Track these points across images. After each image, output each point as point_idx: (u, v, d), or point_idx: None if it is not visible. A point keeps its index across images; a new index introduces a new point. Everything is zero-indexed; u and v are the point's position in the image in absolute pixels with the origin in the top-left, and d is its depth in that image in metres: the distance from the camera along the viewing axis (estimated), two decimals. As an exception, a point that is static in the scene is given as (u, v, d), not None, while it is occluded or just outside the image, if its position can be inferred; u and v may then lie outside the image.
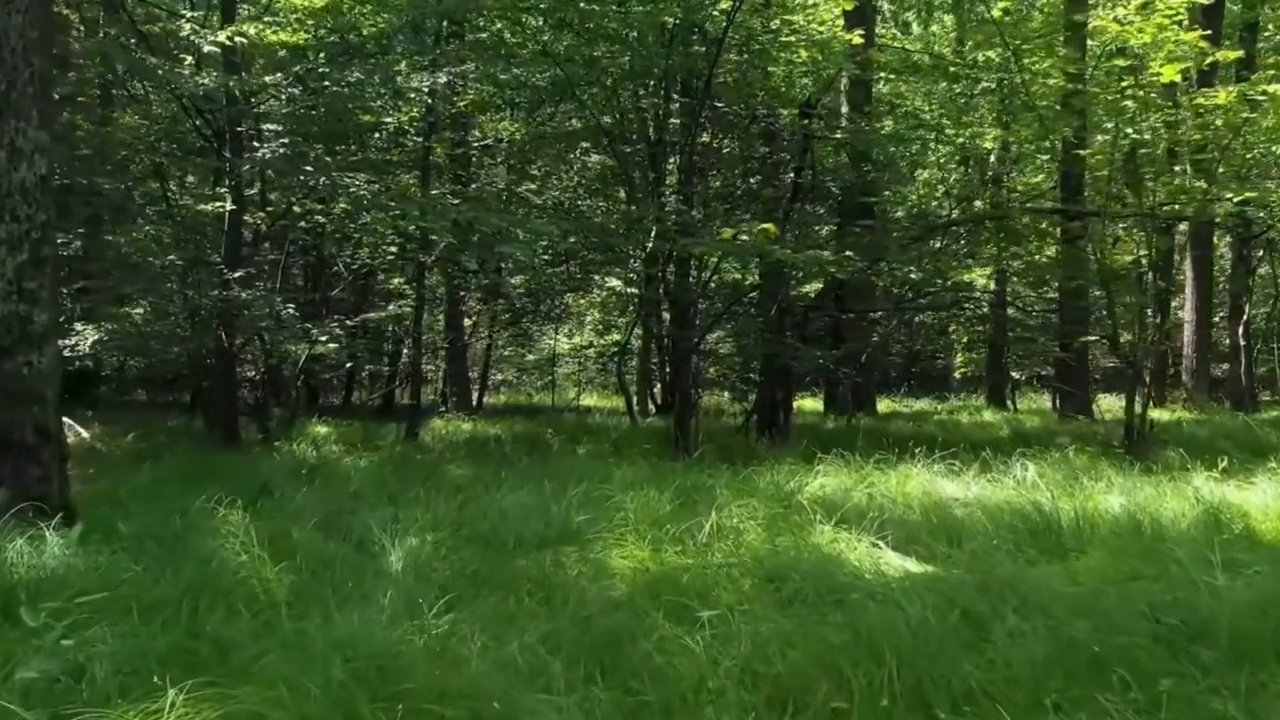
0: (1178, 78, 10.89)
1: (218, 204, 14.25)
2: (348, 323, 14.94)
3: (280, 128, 12.57)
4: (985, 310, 18.17)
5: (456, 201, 11.85)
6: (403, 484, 9.21)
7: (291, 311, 13.58)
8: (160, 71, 11.34)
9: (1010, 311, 18.48)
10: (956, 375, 26.67)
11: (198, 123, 14.27)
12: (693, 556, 6.10)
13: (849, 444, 14.66)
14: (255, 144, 12.32)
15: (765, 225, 9.91)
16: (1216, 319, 21.72)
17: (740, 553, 6.19)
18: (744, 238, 10.58)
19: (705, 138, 17.28)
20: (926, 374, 26.93)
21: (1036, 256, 16.50)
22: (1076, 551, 6.94)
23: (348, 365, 16.62)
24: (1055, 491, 8.13)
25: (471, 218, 10.36)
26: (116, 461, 12.15)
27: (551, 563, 5.97)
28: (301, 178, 12.20)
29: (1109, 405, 20.85)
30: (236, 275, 13.71)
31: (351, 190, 12.54)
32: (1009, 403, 21.57)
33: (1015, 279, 19.21)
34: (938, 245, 15.01)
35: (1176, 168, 14.41)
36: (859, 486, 8.51)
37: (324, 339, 13.60)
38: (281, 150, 11.66)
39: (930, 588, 5.40)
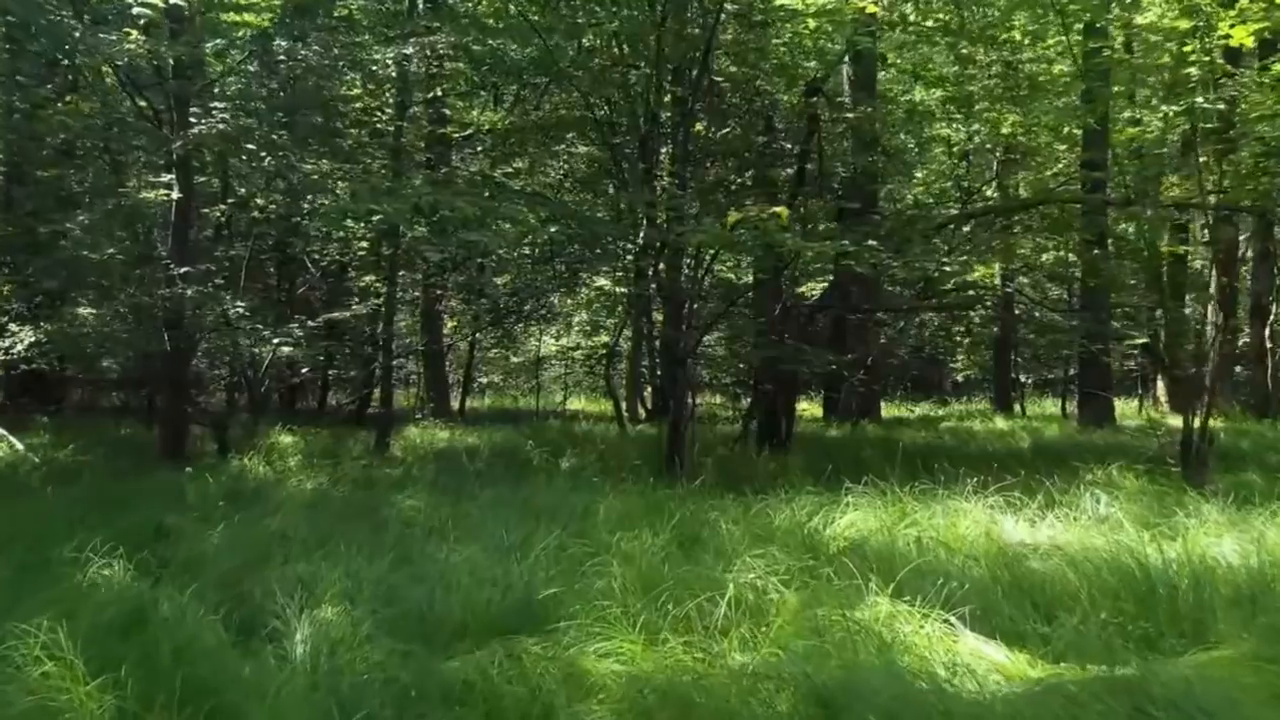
0: (1250, 41, 8.98)
1: (162, 192, 12.25)
2: (310, 324, 12.91)
3: (227, 105, 10.55)
4: (1003, 309, 16.19)
5: (419, 183, 9.86)
6: (342, 519, 7.26)
7: (242, 311, 11.57)
8: (78, 34, 9.32)
9: (1022, 309, 16.47)
10: (958, 379, 24.65)
11: (141, 104, 12.27)
12: (703, 651, 4.14)
13: (858, 456, 12.80)
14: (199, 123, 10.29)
15: (776, 209, 7.98)
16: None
17: (771, 643, 4.23)
18: (741, 232, 8.70)
19: (700, 127, 15.36)
20: (922, 377, 24.92)
21: (1059, 251, 14.57)
22: (1199, 624, 5.04)
23: (304, 370, 14.65)
24: (1146, 534, 6.20)
25: (433, 201, 8.41)
26: (31, 482, 10.15)
27: (504, 662, 3.99)
28: (244, 157, 10.22)
29: (1123, 411, 19.00)
30: (183, 271, 11.73)
31: (308, 173, 10.55)
32: (1019, 408, 19.62)
33: (1026, 276, 17.29)
34: (958, 238, 13.03)
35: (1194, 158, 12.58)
36: (899, 525, 6.56)
37: (276, 341, 11.58)
38: (221, 126, 9.65)
39: (1060, 713, 3.47)
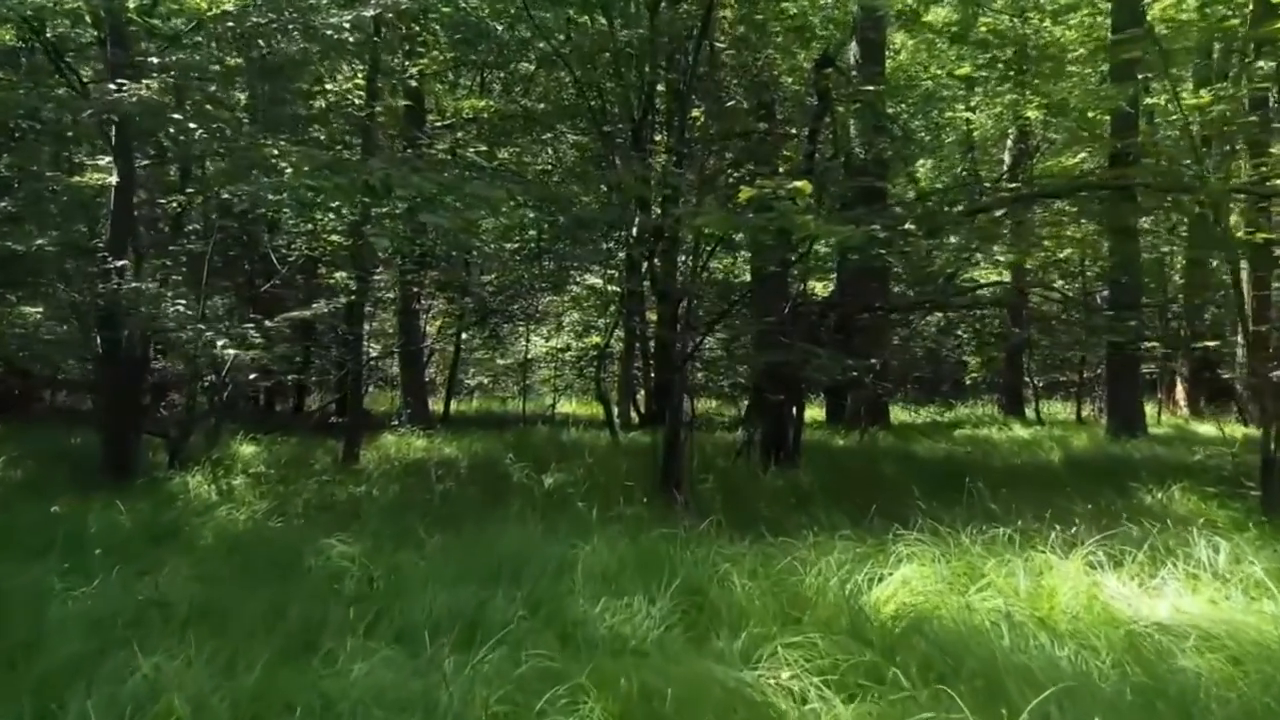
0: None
1: (98, 176, 10.44)
2: (268, 323, 11.11)
3: (159, 76, 8.71)
4: (1016, 307, 14.36)
5: (374, 160, 8.09)
6: (252, 573, 5.46)
7: (183, 309, 9.77)
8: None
9: (1051, 306, 14.57)
10: (966, 381, 22.72)
11: (83, 78, 10.44)
12: None
13: (876, 473, 11.05)
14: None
15: (796, 183, 6.23)
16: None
17: None
18: (750, 216, 6.94)
19: (696, 113, 13.60)
20: (926, 380, 22.98)
21: (1073, 249, 12.78)
22: None
23: (252, 376, 12.80)
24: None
25: (386, 177, 6.65)
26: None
27: None
28: (173, 130, 8.43)
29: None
30: (120, 265, 9.93)
31: (262, 155, 8.75)
32: (1036, 414, 17.78)
33: (1036, 273, 15.47)
34: (973, 231, 11.21)
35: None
36: (971, 589, 4.79)
37: (222, 344, 9.77)
38: (144, 93, 7.84)
39: None
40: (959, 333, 18.05)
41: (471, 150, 12.20)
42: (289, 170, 7.59)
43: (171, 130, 8.47)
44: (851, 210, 11.16)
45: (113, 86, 8.20)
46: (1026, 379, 18.67)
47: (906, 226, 7.18)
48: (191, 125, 8.19)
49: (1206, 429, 15.11)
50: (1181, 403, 17.89)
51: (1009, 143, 17.08)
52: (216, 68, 10.48)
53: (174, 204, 12.68)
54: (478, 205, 7.05)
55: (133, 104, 7.86)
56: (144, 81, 8.13)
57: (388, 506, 8.89)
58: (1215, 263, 19.20)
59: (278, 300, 15.48)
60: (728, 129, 12.20)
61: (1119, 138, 12.69)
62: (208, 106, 8.30)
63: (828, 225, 6.58)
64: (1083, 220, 10.24)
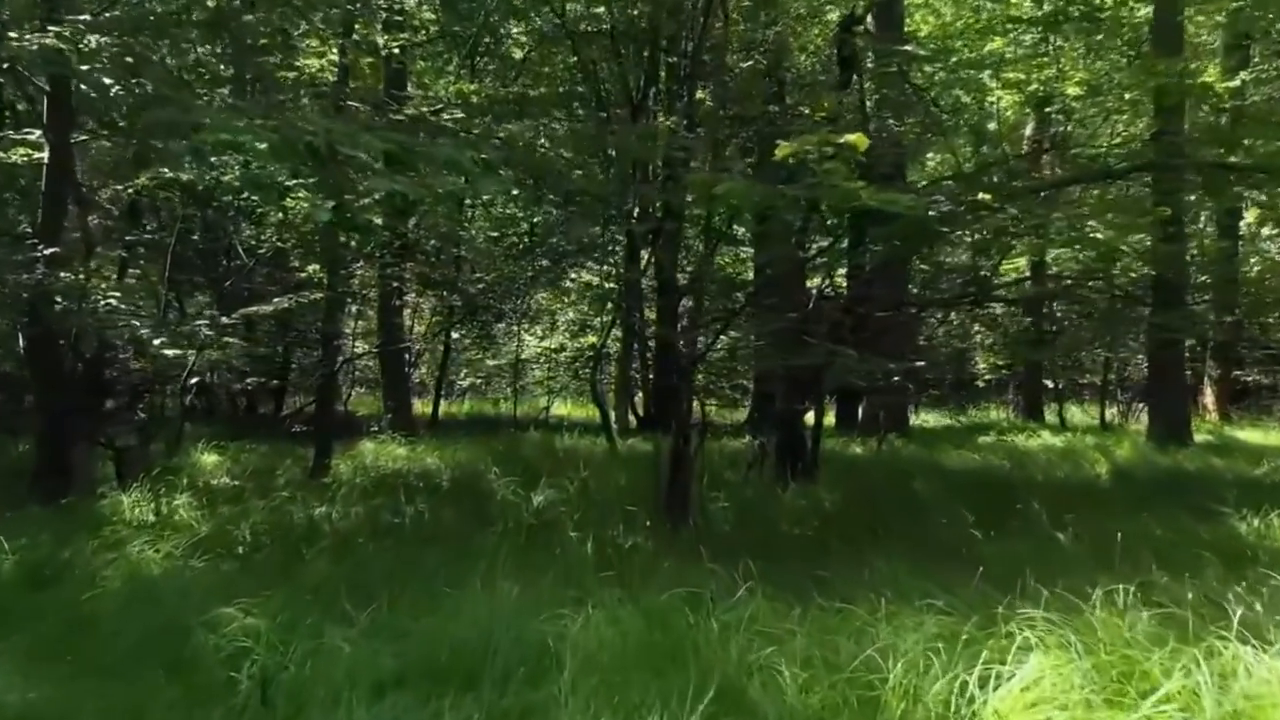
0: None
1: (25, 151, 8.79)
2: (224, 320, 9.49)
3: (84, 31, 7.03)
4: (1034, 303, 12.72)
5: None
6: (112, 657, 3.83)
7: (114, 303, 8.15)
8: None
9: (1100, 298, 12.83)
10: (980, 383, 21.05)
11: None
12: None
13: (908, 490, 9.43)
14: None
15: (849, 136, 4.61)
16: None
17: None
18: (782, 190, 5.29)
19: (702, 94, 12.01)
20: (933, 381, 21.26)
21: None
22: None
23: (196, 379, 11.18)
24: None
25: (329, 131, 5.07)
26: None
27: None
28: (86, 86, 6.81)
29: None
30: (50, 252, 8.32)
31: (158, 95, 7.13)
32: (1059, 419, 16.12)
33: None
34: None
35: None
36: (1142, 702, 3.16)
37: (159, 342, 8.15)
38: (48, 40, 6.21)
39: None
40: (974, 332, 16.43)
41: (446, 116, 10.53)
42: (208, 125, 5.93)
43: (83, 86, 6.85)
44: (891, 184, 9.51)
45: (14, 35, 6.56)
46: (1047, 381, 17.03)
47: (980, 197, 5.62)
48: (107, 80, 6.57)
49: (1248, 435, 13.56)
50: (1210, 406, 16.31)
51: (1028, 129, 15.51)
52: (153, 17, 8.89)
53: (129, 190, 11.06)
54: (455, 169, 5.45)
55: (33, 51, 6.22)
56: (50, 29, 6.47)
57: (347, 533, 7.28)
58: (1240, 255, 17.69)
59: (256, 297, 13.88)
60: (736, 112, 10.61)
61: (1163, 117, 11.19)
62: (127, 59, 6.69)
63: (884, 194, 4.96)
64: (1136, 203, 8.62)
